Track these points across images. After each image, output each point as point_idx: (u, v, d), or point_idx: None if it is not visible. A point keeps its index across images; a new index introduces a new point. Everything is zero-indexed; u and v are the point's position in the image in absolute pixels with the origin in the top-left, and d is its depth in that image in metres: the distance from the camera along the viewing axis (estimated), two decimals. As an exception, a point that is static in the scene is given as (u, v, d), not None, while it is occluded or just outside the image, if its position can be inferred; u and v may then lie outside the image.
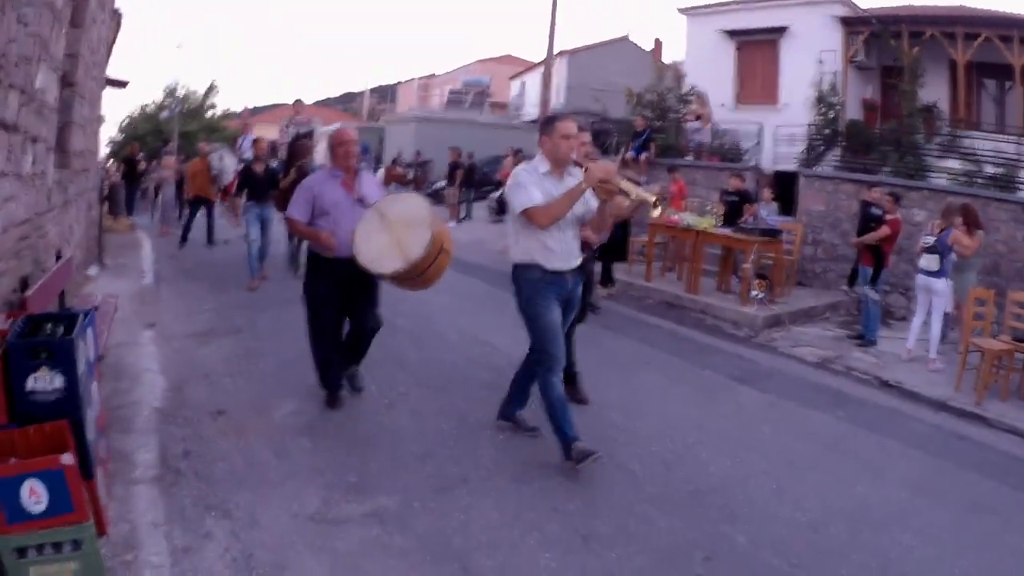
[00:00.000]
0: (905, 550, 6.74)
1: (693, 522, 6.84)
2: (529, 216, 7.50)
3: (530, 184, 7.60)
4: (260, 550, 5.88)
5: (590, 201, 7.75)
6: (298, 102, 23.58)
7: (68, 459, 4.90)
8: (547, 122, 8.00)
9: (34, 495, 4.82)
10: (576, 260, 7.96)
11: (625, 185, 7.47)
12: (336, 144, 8.94)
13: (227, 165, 22.42)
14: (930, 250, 13.44)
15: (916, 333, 13.93)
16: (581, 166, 7.57)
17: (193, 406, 8.80)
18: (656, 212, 7.63)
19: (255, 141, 18.38)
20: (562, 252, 7.77)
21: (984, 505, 8.06)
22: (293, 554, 5.88)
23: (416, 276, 8.13)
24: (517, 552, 6.13)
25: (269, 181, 16.52)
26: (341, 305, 8.93)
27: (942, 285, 13.35)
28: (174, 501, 6.51)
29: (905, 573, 6.39)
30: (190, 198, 23.47)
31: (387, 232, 8.10)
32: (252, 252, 16.12)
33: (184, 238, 21.94)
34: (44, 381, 5.43)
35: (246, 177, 16.91)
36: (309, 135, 19.59)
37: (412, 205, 8.51)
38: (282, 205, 15.57)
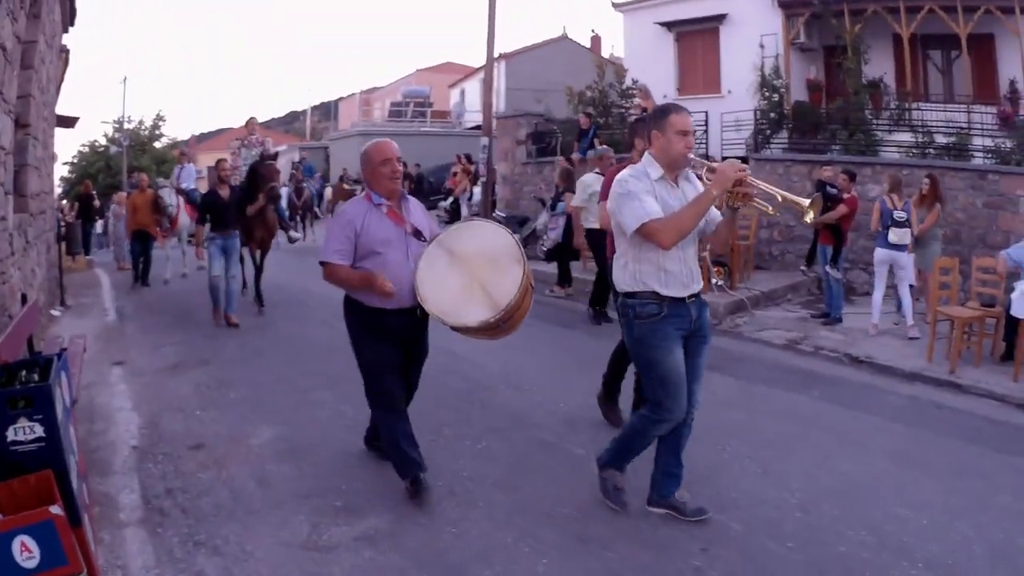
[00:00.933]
0: (900, 522, 6.76)
1: None
2: (649, 233, 6.07)
3: (643, 193, 6.15)
4: None
5: (711, 210, 6.36)
6: (251, 121, 20.77)
7: (57, 510, 4.75)
8: (657, 116, 6.47)
9: (26, 551, 4.65)
10: (698, 284, 6.55)
11: (766, 187, 6.13)
12: (377, 162, 7.00)
13: (172, 201, 21.53)
14: (901, 224, 13.49)
15: (879, 307, 14.05)
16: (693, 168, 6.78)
17: (170, 441, 8.70)
18: (809, 217, 6.11)
19: (218, 162, 16.19)
20: (683, 275, 6.35)
21: (970, 470, 8.11)
22: None
23: (501, 324, 6.79)
24: (514, 560, 6.09)
25: (236, 207, 15.16)
26: (402, 365, 7.35)
27: (908, 258, 13.60)
28: (162, 542, 6.40)
29: (903, 544, 6.39)
30: (130, 234, 21.54)
31: (461, 272, 6.84)
32: (214, 286, 14.71)
33: (138, 277, 20.65)
34: (24, 431, 5.28)
35: (209, 203, 15.07)
36: (274, 157, 18.26)
37: (490, 235, 7.11)
38: (248, 236, 15.87)
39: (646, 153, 6.51)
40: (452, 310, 6.72)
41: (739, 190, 6.03)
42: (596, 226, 12.90)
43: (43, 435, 5.30)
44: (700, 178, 6.48)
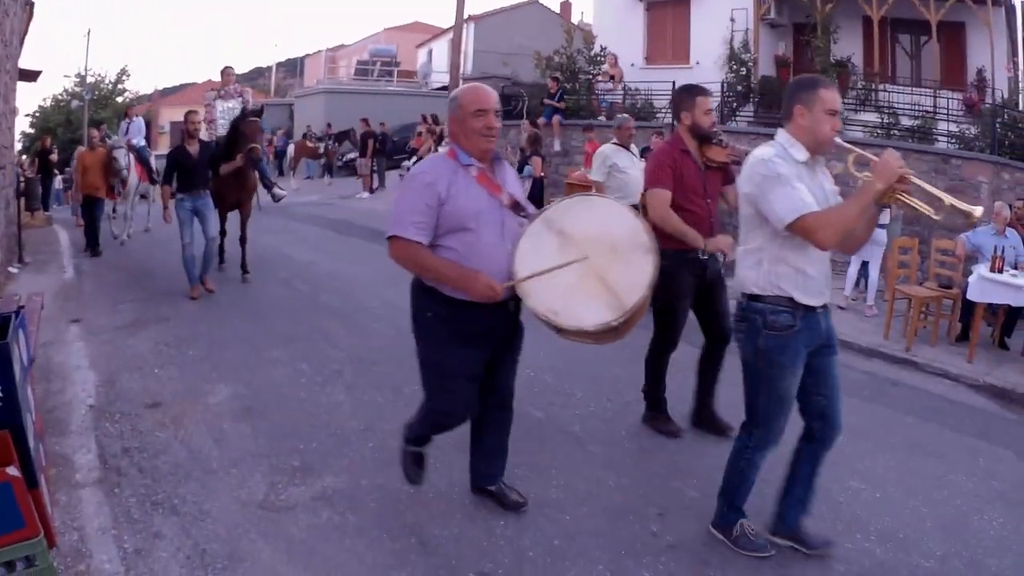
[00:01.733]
0: (853, 494, 6.91)
1: (643, 480, 6.91)
2: (807, 229, 5.07)
3: (795, 179, 5.19)
4: (213, 543, 5.78)
5: (830, 198, 5.46)
6: (227, 70, 17.98)
7: (14, 471, 4.72)
8: (803, 88, 5.47)
9: None
10: (829, 291, 5.60)
11: (928, 188, 5.05)
12: (470, 112, 5.43)
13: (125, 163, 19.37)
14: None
15: (852, 281, 14.48)
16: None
17: (127, 400, 8.62)
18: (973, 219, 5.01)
19: (187, 115, 13.98)
20: (821, 280, 5.46)
21: (925, 447, 8.26)
22: (247, 543, 5.80)
23: (619, 328, 5.44)
24: (472, 521, 6.13)
25: (207, 164, 13.73)
26: (483, 375, 5.85)
27: (879, 233, 13.50)
28: (119, 502, 6.35)
29: (857, 516, 6.51)
30: (79, 199, 19.62)
31: (571, 259, 5.32)
32: (188, 256, 13.19)
33: (92, 245, 18.39)
34: None
35: (177, 160, 13.37)
36: (259, 113, 15.29)
37: (612, 215, 5.57)
38: (222, 199, 14.56)
39: (781, 131, 5.48)
40: (564, 308, 5.27)
41: (899, 187, 5.04)
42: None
43: (0, 395, 5.21)
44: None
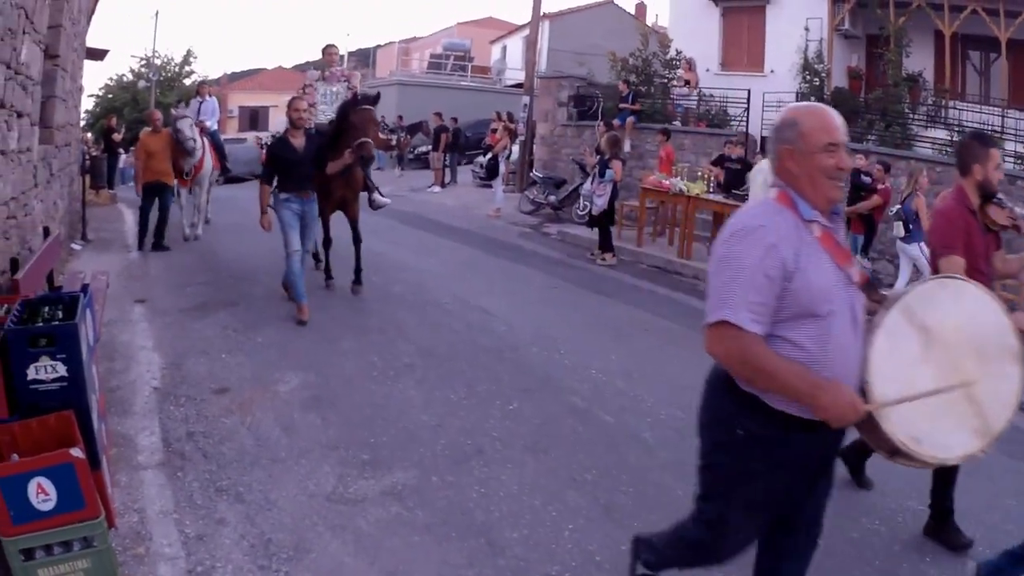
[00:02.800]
0: (911, 515, 6.76)
1: None
2: None
3: None
4: (279, 533, 5.80)
5: None
6: (330, 49, 14.99)
7: (78, 453, 4.73)
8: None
9: (42, 492, 4.63)
10: None
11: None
12: (818, 145, 3.88)
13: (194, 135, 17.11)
14: (895, 217, 14.04)
15: None
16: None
17: (193, 384, 8.64)
18: None
19: (292, 101, 11.80)
20: None
21: (978, 471, 7.62)
22: (313, 535, 5.82)
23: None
24: (540, 523, 6.13)
25: (314, 161, 11.69)
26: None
27: (915, 250, 13.75)
28: (182, 486, 6.39)
29: (915, 537, 6.46)
30: (143, 185, 16.65)
31: (940, 367, 3.93)
32: (294, 268, 11.29)
33: (157, 237, 16.35)
34: (46, 370, 5.20)
35: (278, 154, 11.48)
36: (373, 100, 12.93)
37: (982, 307, 4.14)
38: (325, 197, 12.49)
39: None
40: (929, 435, 3.90)
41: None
42: None
43: (65, 375, 5.23)
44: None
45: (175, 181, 17.20)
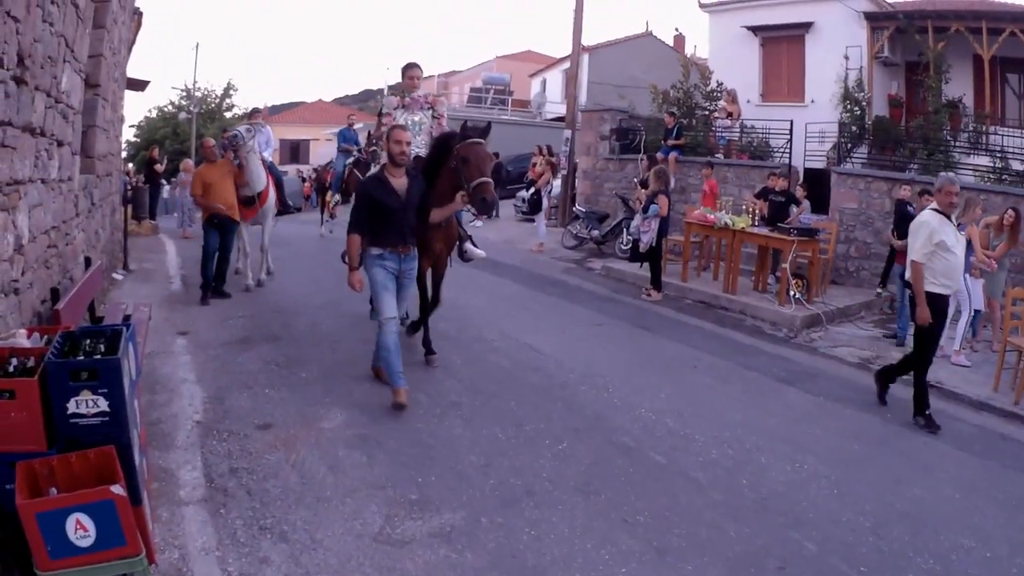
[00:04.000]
0: (965, 552, 6.88)
1: (761, 529, 6.91)
2: None
3: None
4: (324, 574, 5.77)
5: None
6: (413, 70, 12.11)
7: (119, 490, 4.71)
8: None
9: (81, 528, 4.62)
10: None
11: None
12: None
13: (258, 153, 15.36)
14: None
15: (962, 332, 13.87)
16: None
17: (236, 418, 8.63)
18: None
19: (394, 131, 9.47)
20: None
21: None
22: None
23: None
24: (593, 567, 6.13)
25: (418, 205, 9.57)
26: None
27: (976, 284, 13.52)
28: (225, 523, 6.36)
29: (968, 574, 6.52)
30: (205, 220, 14.88)
31: None
32: (389, 342, 9.24)
33: (210, 289, 14.40)
34: (87, 404, 5.11)
35: (374, 196, 9.20)
36: (485, 132, 10.44)
37: None
38: (424, 253, 10.43)
39: None
40: None
41: None
42: (942, 291, 10.17)
43: (107, 409, 5.14)
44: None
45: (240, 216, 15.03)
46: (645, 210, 17.19)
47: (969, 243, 13.03)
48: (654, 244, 17.18)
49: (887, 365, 11.43)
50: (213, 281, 14.47)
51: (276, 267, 16.58)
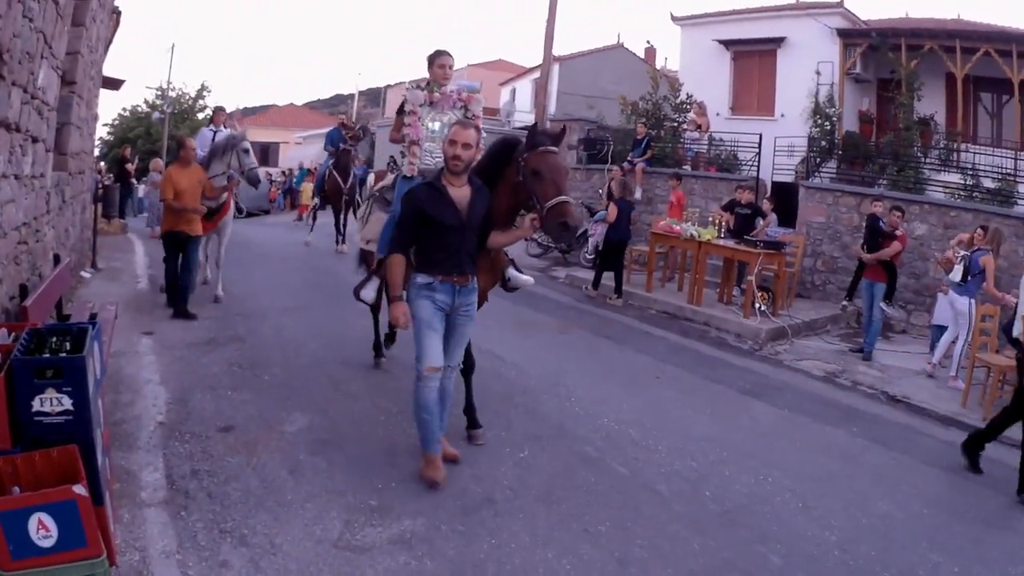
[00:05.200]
0: (932, 567, 6.82)
1: (726, 542, 6.81)
2: None
3: None
4: None
5: None
6: (444, 58, 9.75)
7: (81, 490, 4.63)
8: None
9: (43, 528, 4.55)
10: None
11: None
12: None
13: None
14: (959, 261, 13.64)
15: (944, 348, 14.03)
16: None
17: (199, 420, 8.48)
18: None
19: (456, 128, 7.24)
20: None
21: (1001, 522, 8.22)
22: None
23: None
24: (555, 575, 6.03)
25: (481, 224, 7.43)
26: None
27: (964, 304, 13.40)
28: (186, 526, 6.25)
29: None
30: (164, 232, 13.23)
31: None
32: (429, 399, 7.24)
33: (177, 297, 13.04)
34: (52, 403, 5.06)
35: (426, 211, 7.04)
36: (558, 138, 7.78)
37: None
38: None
39: None
40: None
41: None
42: None
43: (71, 408, 5.10)
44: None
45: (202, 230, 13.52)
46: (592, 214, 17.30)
47: (982, 272, 12.97)
48: (600, 248, 17.64)
49: (977, 431, 10.02)
50: (179, 301, 13.00)
51: (242, 269, 16.39)
